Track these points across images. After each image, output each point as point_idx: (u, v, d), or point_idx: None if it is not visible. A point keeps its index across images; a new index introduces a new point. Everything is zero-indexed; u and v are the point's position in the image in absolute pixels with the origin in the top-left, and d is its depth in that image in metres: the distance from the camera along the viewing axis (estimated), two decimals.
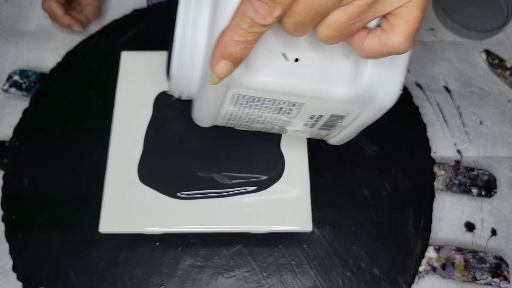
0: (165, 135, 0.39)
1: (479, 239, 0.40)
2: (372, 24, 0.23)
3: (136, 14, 0.49)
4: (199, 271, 0.37)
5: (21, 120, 0.44)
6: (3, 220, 0.40)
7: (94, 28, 0.49)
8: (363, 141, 0.42)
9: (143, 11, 0.49)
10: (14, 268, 0.38)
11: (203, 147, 0.38)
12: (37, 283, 0.37)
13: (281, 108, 0.29)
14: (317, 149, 0.41)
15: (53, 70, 0.46)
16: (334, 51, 0.27)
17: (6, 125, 0.44)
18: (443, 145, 0.44)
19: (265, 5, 0.21)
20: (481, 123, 0.45)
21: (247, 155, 0.38)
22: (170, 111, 0.40)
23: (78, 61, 0.46)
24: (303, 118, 0.30)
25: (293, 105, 0.29)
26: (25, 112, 0.44)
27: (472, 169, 0.42)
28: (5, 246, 0.39)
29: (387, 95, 0.28)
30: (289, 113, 0.30)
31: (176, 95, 0.31)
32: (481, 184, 0.41)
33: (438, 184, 0.41)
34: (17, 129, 0.43)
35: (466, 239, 0.40)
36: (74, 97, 0.44)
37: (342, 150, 0.42)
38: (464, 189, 0.41)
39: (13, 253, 0.38)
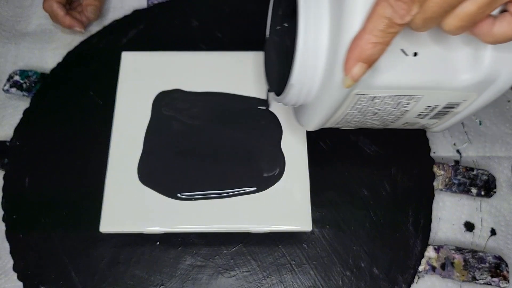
0: (165, 135, 0.39)
1: (479, 239, 0.40)
2: (496, 10, 0.24)
3: (136, 14, 0.49)
4: (200, 270, 0.37)
5: (22, 120, 0.44)
6: (3, 219, 0.40)
7: (94, 28, 0.49)
8: (362, 141, 0.42)
9: (144, 11, 0.49)
10: (15, 268, 0.38)
11: (203, 147, 0.38)
12: (37, 283, 0.37)
13: (399, 102, 0.29)
14: (317, 149, 0.41)
15: (54, 70, 0.46)
16: (452, 41, 0.27)
17: (7, 125, 0.44)
18: (443, 145, 0.44)
19: (404, 5, 0.22)
20: (480, 123, 0.45)
21: (247, 155, 0.38)
22: (170, 111, 0.40)
23: (79, 61, 0.46)
24: (418, 110, 0.30)
25: (412, 98, 0.29)
26: (26, 112, 0.44)
27: (472, 169, 0.42)
28: (6, 245, 0.39)
29: (508, 77, 0.28)
30: (405, 106, 0.30)
31: (288, 104, 0.31)
32: (480, 184, 0.41)
33: (437, 184, 0.41)
34: (18, 129, 0.43)
35: (466, 238, 0.40)
36: (74, 97, 0.44)
37: (342, 150, 0.42)
38: (464, 189, 0.41)
39: (13, 252, 0.38)
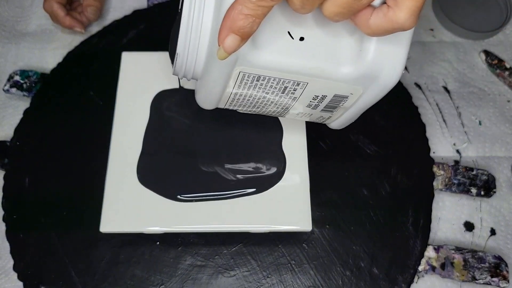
0: (164, 135, 0.39)
1: (478, 238, 0.40)
2: (377, 1, 0.24)
3: (136, 14, 0.49)
4: (200, 270, 0.37)
5: (22, 120, 0.44)
6: (4, 219, 0.40)
7: (94, 28, 0.49)
8: (362, 141, 0.42)
9: (144, 11, 0.49)
10: (15, 268, 0.38)
11: (203, 147, 0.38)
12: (38, 283, 0.37)
13: (286, 88, 0.29)
14: (317, 149, 0.41)
15: (54, 70, 0.46)
16: (339, 29, 0.27)
17: (7, 125, 0.45)
18: (442, 145, 0.44)
19: None
20: (480, 123, 0.45)
21: (248, 155, 0.38)
22: (169, 111, 0.40)
23: (79, 61, 0.46)
24: (306, 99, 0.30)
25: (298, 84, 0.29)
26: (26, 112, 0.44)
27: (471, 169, 0.42)
28: (6, 245, 0.39)
29: (390, 74, 0.28)
30: (293, 93, 0.30)
31: (180, 75, 0.30)
32: (480, 184, 0.41)
33: (437, 184, 0.41)
34: (18, 129, 0.43)
35: (465, 238, 0.40)
36: (74, 97, 0.44)
37: (342, 150, 0.42)
38: (463, 189, 0.41)
39: (14, 252, 0.38)
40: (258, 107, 0.33)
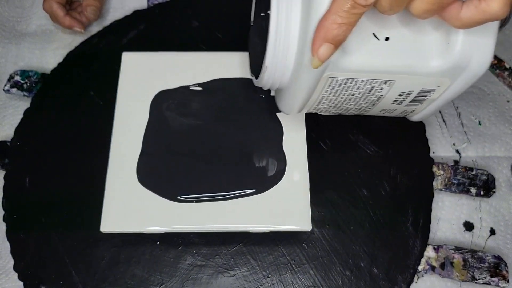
0: (164, 135, 0.39)
1: (478, 238, 0.40)
2: None
3: (136, 14, 0.49)
4: (200, 270, 0.37)
5: (22, 120, 0.44)
6: (4, 219, 0.40)
7: (95, 28, 0.49)
8: (362, 141, 0.42)
9: (144, 11, 0.49)
10: (15, 268, 0.38)
11: (203, 148, 0.38)
12: (38, 283, 0.37)
13: (373, 87, 0.29)
14: (317, 149, 0.42)
15: (54, 70, 0.46)
16: (423, 25, 0.27)
17: (7, 125, 0.45)
18: (442, 145, 0.44)
19: None
20: (480, 123, 0.45)
21: (249, 156, 0.38)
22: (168, 111, 0.40)
23: (79, 61, 0.47)
24: (392, 96, 0.31)
25: (385, 83, 0.29)
26: (26, 112, 0.44)
27: (471, 169, 0.42)
28: (7, 245, 0.39)
29: (480, 63, 0.28)
30: (379, 91, 0.30)
31: (266, 87, 0.32)
32: (480, 184, 0.41)
33: (437, 184, 0.41)
34: (18, 129, 0.43)
35: (465, 238, 0.40)
36: (75, 97, 0.44)
37: (341, 150, 0.42)
38: (463, 189, 0.41)
39: (14, 252, 0.38)
40: (342, 109, 0.33)
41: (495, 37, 0.28)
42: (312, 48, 0.25)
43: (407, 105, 0.32)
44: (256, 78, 0.33)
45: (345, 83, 0.29)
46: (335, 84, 0.29)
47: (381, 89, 0.30)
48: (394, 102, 0.32)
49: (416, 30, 0.27)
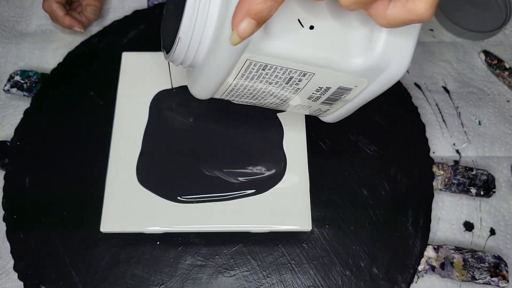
0: (163, 136, 0.39)
1: (478, 238, 0.40)
2: None
3: (136, 14, 0.49)
4: (200, 270, 0.37)
5: (22, 120, 0.44)
6: (4, 219, 0.40)
7: (95, 28, 0.49)
8: (362, 141, 0.42)
9: (144, 11, 0.49)
10: (16, 268, 0.38)
11: (203, 148, 0.38)
12: (38, 282, 0.37)
13: (291, 78, 0.28)
14: (317, 149, 0.42)
15: (54, 70, 0.46)
16: (349, 19, 0.27)
17: (7, 125, 0.45)
18: (442, 145, 0.44)
19: None
20: (480, 123, 0.45)
21: (249, 156, 0.38)
22: (168, 111, 0.40)
23: (79, 61, 0.47)
24: (309, 91, 0.30)
25: (304, 75, 0.28)
26: (26, 112, 0.44)
27: (471, 169, 0.42)
28: (7, 245, 0.39)
29: (398, 67, 0.27)
30: (297, 84, 0.29)
31: (177, 62, 0.29)
32: (479, 184, 0.41)
33: (437, 184, 0.41)
34: (18, 129, 0.43)
35: (465, 238, 0.40)
36: (75, 97, 0.44)
37: (341, 150, 0.42)
38: (463, 189, 0.41)
39: (14, 252, 0.38)
40: (256, 99, 0.32)
41: (415, 41, 0.27)
42: (232, 22, 0.23)
43: (322, 102, 0.31)
44: (167, 52, 0.30)
45: (263, 69, 0.27)
46: (253, 69, 0.27)
47: (299, 81, 0.28)
48: (310, 98, 0.30)
49: (341, 23, 0.27)
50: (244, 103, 0.33)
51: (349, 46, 0.27)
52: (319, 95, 0.30)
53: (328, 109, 0.33)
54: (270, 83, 0.29)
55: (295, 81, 0.28)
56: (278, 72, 0.28)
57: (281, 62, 0.27)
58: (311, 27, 0.26)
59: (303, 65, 0.27)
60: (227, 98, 0.32)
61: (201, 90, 0.31)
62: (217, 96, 0.32)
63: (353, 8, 0.23)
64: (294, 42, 0.26)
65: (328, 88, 0.29)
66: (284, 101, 0.32)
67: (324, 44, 0.27)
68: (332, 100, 0.31)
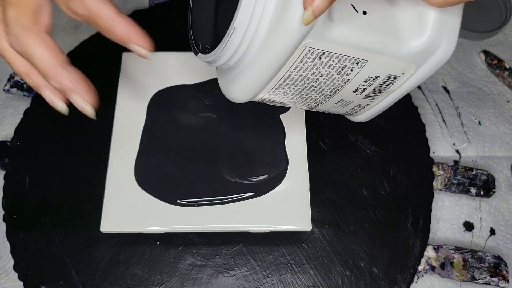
0: (162, 136, 0.39)
1: (478, 238, 0.40)
2: None
3: (137, 14, 0.49)
4: (200, 270, 0.37)
5: (23, 120, 0.44)
6: (4, 219, 0.40)
7: (95, 28, 0.49)
8: (362, 141, 0.42)
9: (144, 11, 0.49)
10: (15, 268, 0.38)
11: (202, 149, 0.38)
12: (38, 282, 0.37)
13: (344, 67, 0.26)
14: (317, 149, 0.42)
15: None
16: (399, 2, 0.26)
17: (7, 125, 0.45)
18: (442, 145, 0.44)
19: None
20: (479, 123, 0.45)
21: (250, 158, 0.38)
22: (167, 111, 0.40)
23: (79, 61, 0.46)
24: (357, 82, 0.28)
25: (358, 62, 0.26)
26: (27, 112, 0.44)
27: (471, 169, 0.42)
28: (7, 245, 0.39)
29: (447, 48, 0.27)
30: (348, 74, 0.27)
31: (222, 60, 0.25)
32: (479, 184, 0.41)
33: (437, 184, 0.41)
34: (19, 129, 0.43)
35: (465, 238, 0.40)
36: None
37: (342, 150, 0.42)
38: (463, 189, 0.41)
39: (14, 252, 0.38)
40: (300, 96, 0.29)
41: (460, 20, 0.26)
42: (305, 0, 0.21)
43: (366, 96, 0.30)
44: (206, 51, 0.26)
45: (320, 58, 0.25)
46: (309, 58, 0.25)
47: (351, 70, 0.27)
48: (355, 91, 0.29)
49: (392, 6, 0.26)
50: (281, 104, 0.31)
51: (401, 30, 0.26)
52: (366, 87, 0.29)
53: (367, 104, 0.31)
54: (322, 75, 0.27)
55: (347, 70, 0.27)
56: (333, 61, 0.26)
57: (339, 48, 0.25)
58: (364, 12, 0.25)
59: (359, 51, 0.25)
60: (269, 98, 0.29)
61: (243, 91, 0.28)
62: (259, 96, 0.29)
63: None
64: (352, 27, 0.25)
65: (376, 78, 0.28)
66: (326, 98, 0.30)
67: (378, 28, 0.26)
68: (376, 91, 0.29)
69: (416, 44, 0.26)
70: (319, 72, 0.26)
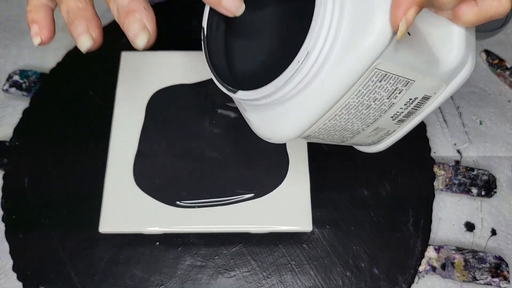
0: (160, 137, 0.38)
1: (479, 239, 0.40)
2: None
3: None
4: (199, 271, 0.37)
5: (21, 120, 0.44)
6: (3, 220, 0.40)
7: None
8: None
9: None
10: (14, 268, 0.38)
11: (202, 150, 0.38)
12: (37, 283, 0.37)
13: (395, 89, 0.24)
14: (317, 149, 0.41)
15: (53, 70, 0.46)
16: (434, 22, 0.25)
17: (6, 125, 0.44)
18: (443, 145, 0.44)
19: None
20: (480, 123, 0.45)
21: (251, 158, 0.38)
22: (166, 111, 0.40)
23: (78, 61, 0.46)
24: (398, 106, 0.27)
25: (407, 83, 0.25)
26: (25, 112, 0.44)
27: (472, 169, 0.42)
28: (5, 246, 0.39)
29: (471, 64, 0.27)
30: (396, 97, 0.25)
31: (283, 92, 0.23)
32: (481, 184, 0.41)
33: (438, 184, 0.41)
34: (18, 129, 0.43)
35: (466, 239, 0.40)
36: (74, 97, 0.44)
37: (342, 150, 0.42)
38: (464, 189, 0.41)
39: (13, 253, 0.38)
40: (344, 129, 0.27)
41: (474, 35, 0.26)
42: (396, 12, 0.20)
43: (398, 120, 0.28)
44: (250, 86, 0.24)
45: (380, 81, 0.23)
46: (372, 82, 0.23)
47: (399, 92, 0.25)
48: (393, 116, 0.27)
49: (428, 26, 0.25)
50: (317, 141, 0.28)
51: (437, 49, 0.26)
52: (403, 110, 0.27)
53: (394, 131, 0.30)
54: (375, 100, 0.25)
55: (396, 93, 0.25)
56: (389, 83, 0.24)
57: (398, 69, 0.24)
58: (408, 33, 0.24)
59: (411, 71, 0.24)
60: (314, 133, 0.26)
61: (295, 126, 0.25)
62: (306, 133, 0.26)
63: (450, 7, 0.23)
64: (406, 47, 0.24)
65: (415, 99, 0.27)
66: (366, 127, 0.27)
67: (423, 48, 0.25)
68: (408, 115, 0.28)
69: (449, 62, 0.26)
70: (374, 97, 0.24)
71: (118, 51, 0.42)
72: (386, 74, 0.23)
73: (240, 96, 0.24)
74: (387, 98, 0.25)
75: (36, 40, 0.28)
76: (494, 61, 0.47)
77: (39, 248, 0.38)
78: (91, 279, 0.37)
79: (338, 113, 0.24)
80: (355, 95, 0.24)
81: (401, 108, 0.27)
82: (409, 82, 0.25)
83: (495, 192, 0.41)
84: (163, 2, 0.50)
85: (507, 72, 0.47)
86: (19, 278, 0.37)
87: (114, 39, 0.47)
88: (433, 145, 0.43)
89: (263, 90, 0.23)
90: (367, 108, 0.25)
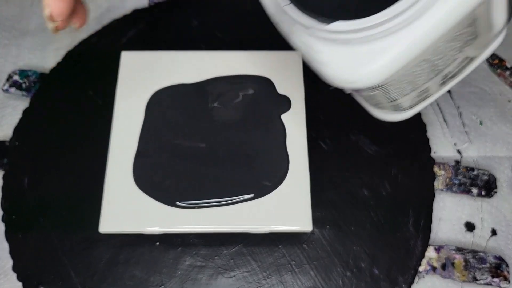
0: (160, 137, 0.38)
1: (479, 239, 0.40)
2: None
3: (136, 14, 0.49)
4: (199, 271, 0.37)
5: (21, 120, 0.44)
6: (3, 220, 0.40)
7: (94, 27, 0.49)
8: (363, 141, 0.42)
9: (144, 11, 0.49)
10: (14, 268, 0.38)
11: (202, 150, 0.38)
12: (37, 283, 0.37)
13: (466, 41, 0.23)
14: (316, 149, 0.41)
15: (53, 70, 0.46)
16: None
17: (6, 125, 0.44)
18: (443, 145, 0.44)
19: None
20: (481, 123, 0.45)
21: (251, 159, 0.38)
22: (165, 111, 0.40)
23: (78, 61, 0.46)
24: (457, 62, 0.25)
25: (474, 38, 0.23)
26: (25, 112, 0.44)
27: (472, 169, 0.42)
28: (5, 246, 0.39)
29: (505, 31, 0.26)
30: (462, 51, 0.24)
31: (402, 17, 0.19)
32: (481, 184, 0.41)
33: (438, 184, 0.41)
34: (17, 129, 0.43)
35: (466, 239, 0.40)
36: (74, 97, 0.44)
37: (342, 150, 0.42)
38: (464, 189, 0.41)
39: (13, 253, 0.38)
40: (410, 81, 0.24)
41: None
42: None
43: (443, 83, 0.26)
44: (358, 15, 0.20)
45: (466, 27, 0.22)
46: (462, 26, 0.21)
47: (467, 46, 0.23)
48: (445, 75, 0.25)
49: None
50: (373, 97, 0.26)
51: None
52: (453, 70, 0.26)
53: (428, 97, 0.28)
54: (451, 49, 0.23)
55: (464, 46, 0.23)
56: (467, 32, 0.22)
57: (482, 17, 0.22)
58: None
59: (486, 24, 0.23)
60: (390, 82, 0.23)
61: (386, 67, 0.22)
62: (390, 78, 0.23)
63: None
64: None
65: (466, 58, 0.25)
66: (424, 83, 0.25)
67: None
68: (453, 76, 0.27)
69: (497, 24, 0.24)
70: (452, 45, 0.22)
71: (118, 51, 0.42)
72: (474, 20, 0.21)
73: (335, 28, 0.21)
74: (458, 51, 0.23)
75: (47, 10, 0.26)
76: (494, 61, 0.47)
77: (39, 248, 0.38)
78: (90, 279, 0.37)
79: (426, 57, 0.22)
80: (448, 37, 0.21)
81: (457, 65, 0.24)
82: (476, 36, 0.22)
83: (496, 192, 0.41)
84: (163, 2, 0.50)
85: (507, 72, 0.47)
86: (19, 278, 0.37)
87: (114, 39, 0.47)
88: (433, 145, 0.43)
89: (372, 19, 0.20)
90: (441, 58, 0.23)
